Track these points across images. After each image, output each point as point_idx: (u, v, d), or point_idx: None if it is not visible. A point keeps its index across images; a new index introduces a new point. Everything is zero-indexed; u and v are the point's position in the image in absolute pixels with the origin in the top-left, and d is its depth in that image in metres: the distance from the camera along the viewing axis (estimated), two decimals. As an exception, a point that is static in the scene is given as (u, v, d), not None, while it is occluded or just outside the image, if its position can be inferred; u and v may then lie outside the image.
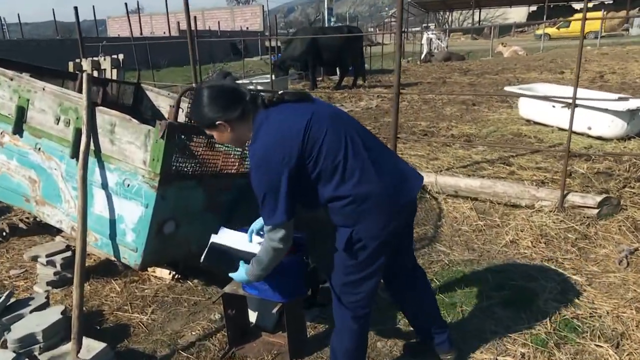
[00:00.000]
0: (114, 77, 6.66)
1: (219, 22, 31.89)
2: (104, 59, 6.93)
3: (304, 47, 10.75)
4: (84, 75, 2.56)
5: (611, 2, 41.34)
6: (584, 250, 3.16)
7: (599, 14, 33.82)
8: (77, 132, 2.50)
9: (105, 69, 6.87)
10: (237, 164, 2.91)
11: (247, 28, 37.64)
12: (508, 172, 4.46)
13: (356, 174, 1.70)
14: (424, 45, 22.72)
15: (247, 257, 1.96)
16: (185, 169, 2.45)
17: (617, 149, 5.16)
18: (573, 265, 3.01)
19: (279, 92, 1.78)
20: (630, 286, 2.73)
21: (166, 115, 4.19)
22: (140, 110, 4.29)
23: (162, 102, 4.31)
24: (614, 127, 5.39)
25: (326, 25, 28.88)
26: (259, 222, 2.13)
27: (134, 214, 2.40)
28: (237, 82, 11.18)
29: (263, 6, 40.72)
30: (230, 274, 2.00)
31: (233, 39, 22.44)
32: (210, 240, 2.13)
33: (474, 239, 3.45)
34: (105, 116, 2.47)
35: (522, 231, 3.43)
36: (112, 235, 2.47)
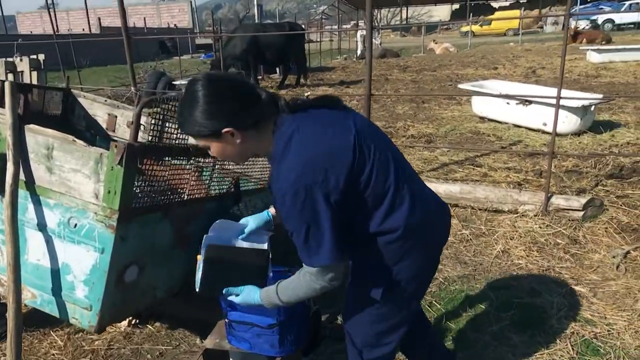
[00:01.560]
0: (35, 81, 5.81)
1: (144, 19, 30.14)
2: (20, 60, 6.03)
3: (244, 45, 10.21)
4: (7, 84, 2.00)
5: (526, 1, 44.12)
6: (578, 257, 3.03)
7: (517, 12, 35.95)
8: (1, 159, 1.94)
9: (22, 72, 5.98)
10: (206, 184, 2.46)
11: (175, 25, 35.97)
12: (481, 175, 4.32)
13: (406, 201, 1.35)
14: (359, 43, 22.83)
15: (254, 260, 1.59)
16: (150, 200, 1.97)
17: (574, 145, 5.22)
18: (572, 275, 2.86)
19: (304, 95, 1.36)
20: (636, 294, 2.61)
21: (104, 126, 3.61)
22: (72, 121, 3.64)
23: (99, 110, 3.69)
24: (569, 123, 5.46)
25: (256, 21, 28.26)
26: (258, 218, 1.69)
27: (85, 263, 1.88)
28: (174, 83, 10.41)
29: (191, 2, 39.14)
30: (234, 297, 1.54)
31: (172, 36, 21.16)
32: (207, 243, 1.64)
33: (463, 251, 3.22)
34: (38, 137, 1.93)
35: (511, 239, 3.26)
36: (56, 291, 1.93)
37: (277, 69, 13.75)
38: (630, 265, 2.87)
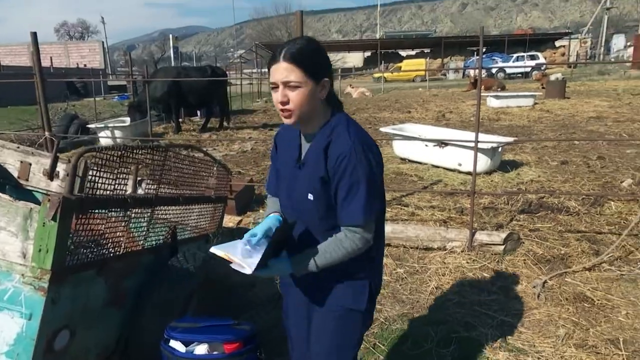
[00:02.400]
0: None
1: (51, 58, 28.47)
2: None
3: (165, 88, 10.00)
4: None
5: (429, 51, 48.21)
6: (503, 289, 3.25)
7: (423, 61, 39.08)
8: None
9: None
10: (144, 236, 2.33)
11: (85, 65, 34.40)
12: (409, 214, 4.53)
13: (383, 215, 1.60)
14: (279, 86, 23.29)
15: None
16: (84, 257, 1.83)
17: (487, 183, 5.68)
18: (500, 306, 3.05)
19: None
20: (557, 321, 2.83)
21: (15, 175, 3.33)
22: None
23: (9, 157, 3.39)
24: (481, 163, 5.93)
25: (172, 63, 27.89)
26: (267, 223, 1.53)
27: (7, 331, 1.68)
28: (88, 126, 9.87)
29: (103, 42, 37.80)
30: (266, 269, 1.42)
31: (83, 79, 20.05)
32: (270, 224, 1.52)
33: (399, 289, 3.31)
34: (-48, 193, 1.73)
35: (443, 275, 3.42)
36: (-28, 366, 1.69)
37: (199, 112, 13.60)
38: (549, 294, 3.12)
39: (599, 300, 2.99)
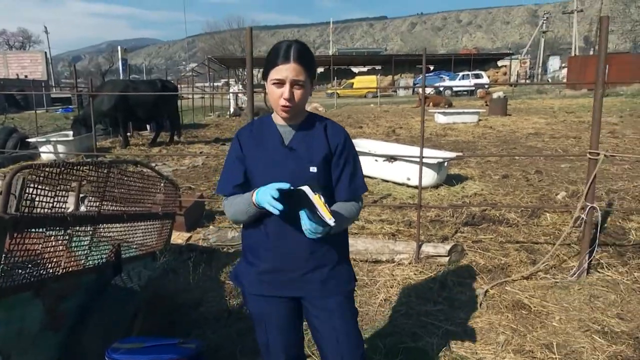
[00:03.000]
0: None
1: (-14, 68, 26.90)
2: None
3: (113, 102, 9.71)
4: None
5: (380, 68, 49.58)
6: (448, 299, 3.37)
7: (374, 77, 40.10)
8: None
9: None
10: (85, 255, 2.26)
11: (26, 76, 32.76)
12: (359, 227, 4.61)
13: None
14: (231, 101, 23.19)
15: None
16: (19, 278, 1.75)
17: (434, 196, 5.89)
18: (445, 316, 3.15)
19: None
20: (497, 328, 2.97)
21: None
22: None
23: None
24: (428, 177, 6.16)
25: (121, 76, 27.11)
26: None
27: None
28: (27, 140, 9.39)
29: (46, 52, 36.21)
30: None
31: (23, 93, 19.02)
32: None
33: (349, 303, 3.36)
34: None
35: (391, 287, 3.50)
36: None
37: (148, 126, 13.27)
38: (490, 302, 3.27)
39: (535, 307, 3.16)
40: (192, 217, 4.66)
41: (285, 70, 1.50)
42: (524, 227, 4.57)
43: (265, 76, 1.58)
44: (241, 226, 1.76)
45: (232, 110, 21.85)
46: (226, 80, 49.02)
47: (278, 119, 1.65)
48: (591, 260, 3.67)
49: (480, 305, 3.24)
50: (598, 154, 3.32)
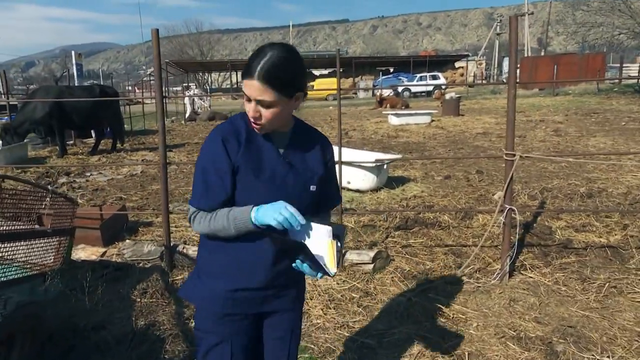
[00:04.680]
0: None
1: None
2: None
3: (47, 109, 9.19)
4: None
5: (342, 70, 49.79)
6: (369, 309, 3.24)
7: (334, 79, 40.15)
8: None
9: None
10: None
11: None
12: (288, 236, 4.44)
13: None
14: (187, 105, 22.67)
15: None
16: None
17: (373, 200, 5.79)
18: (362, 327, 3.02)
19: None
20: (414, 339, 2.85)
21: None
22: None
23: None
24: (367, 180, 6.07)
25: (76, 82, 26.08)
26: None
27: None
28: (-50, 151, 8.75)
29: (-11, 58, 34.37)
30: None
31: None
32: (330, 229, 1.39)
33: (266, 318, 3.18)
34: None
35: (311, 299, 3.34)
36: None
37: (93, 133, 12.72)
38: (411, 311, 3.15)
39: (454, 314, 3.07)
40: (110, 230, 4.37)
41: (250, 88, 1.33)
42: (455, 230, 4.52)
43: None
44: (202, 239, 1.56)
45: (187, 114, 21.36)
46: (185, 84, 48.11)
47: None
48: (515, 262, 3.62)
49: (401, 314, 3.13)
50: (514, 155, 3.26)
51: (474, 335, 2.85)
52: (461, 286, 3.45)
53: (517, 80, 3.19)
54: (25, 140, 9.59)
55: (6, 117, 13.37)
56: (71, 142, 11.81)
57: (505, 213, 3.34)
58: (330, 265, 1.32)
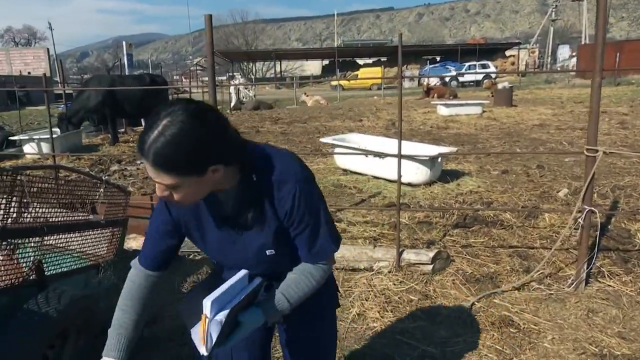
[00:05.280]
0: None
1: (-12, 65, 26.83)
2: None
3: (99, 98, 9.42)
4: None
5: (386, 59, 48.93)
6: (429, 314, 3.02)
7: (379, 69, 39.55)
8: None
9: None
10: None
11: (29, 73, 32.69)
12: (340, 230, 4.26)
13: None
14: (232, 94, 22.88)
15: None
16: None
17: (426, 194, 5.52)
18: (423, 334, 2.81)
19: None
20: (480, 350, 2.62)
21: None
22: None
23: None
24: (420, 174, 5.79)
25: (127, 71, 26.92)
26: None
27: None
28: (11, 138, 9.14)
29: (48, 49, 36.11)
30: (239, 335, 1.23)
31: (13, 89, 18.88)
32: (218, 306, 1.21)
33: (319, 318, 3.03)
34: None
35: (366, 300, 3.16)
36: None
37: (143, 122, 13.01)
38: (475, 318, 2.91)
39: (525, 324, 2.80)
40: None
41: (146, 168, 1.08)
42: (519, 230, 4.19)
43: None
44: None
45: (232, 103, 21.56)
46: (230, 73, 48.75)
47: None
48: (591, 269, 3.29)
49: (464, 321, 2.89)
50: (597, 151, 2.93)
51: (549, 349, 2.58)
52: (531, 292, 3.17)
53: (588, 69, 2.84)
54: (80, 128, 9.88)
55: (62, 106, 13.95)
56: (122, 130, 12.11)
57: (584, 214, 3.01)
58: (200, 342, 1.14)
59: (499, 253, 3.75)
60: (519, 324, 2.82)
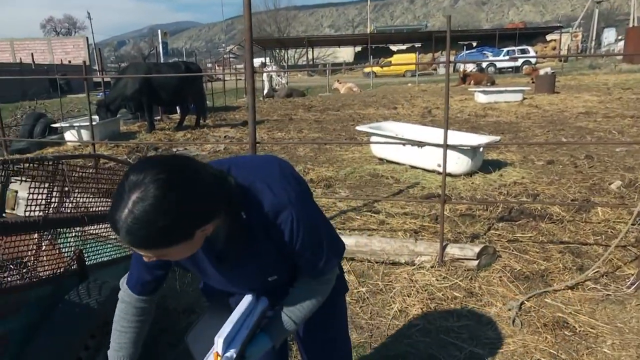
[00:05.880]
0: None
1: (32, 54, 27.74)
2: None
3: (136, 85, 9.53)
4: None
5: (420, 45, 47.84)
6: (475, 312, 2.87)
7: (413, 55, 38.73)
8: None
9: None
10: (31, 262, 1.93)
11: (70, 62, 33.66)
12: (379, 222, 4.14)
13: None
14: (265, 82, 22.87)
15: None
16: None
17: (467, 185, 5.30)
18: (470, 334, 2.67)
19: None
20: (533, 353, 2.46)
21: None
22: None
23: None
24: (461, 164, 5.57)
25: (162, 59, 27.30)
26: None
27: None
28: (53, 125, 9.39)
29: (87, 38, 37.04)
30: (251, 356, 1.22)
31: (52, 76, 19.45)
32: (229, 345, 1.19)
33: (359, 313, 2.93)
34: None
35: (408, 296, 3.04)
36: None
37: (179, 109, 13.15)
38: (525, 319, 2.75)
39: (581, 327, 2.62)
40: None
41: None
42: (570, 224, 3.95)
43: None
44: None
45: (265, 91, 21.56)
46: (263, 61, 48.84)
47: None
48: (653, 268, 3.06)
49: (514, 321, 2.74)
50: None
51: (609, 355, 2.40)
52: (586, 292, 2.97)
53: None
54: (117, 116, 10.05)
55: (101, 93, 14.30)
56: (158, 117, 12.26)
57: (649, 211, 2.78)
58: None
59: (548, 249, 3.54)
60: (574, 326, 2.64)
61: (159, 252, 0.96)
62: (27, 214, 1.86)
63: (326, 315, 1.45)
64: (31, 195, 1.94)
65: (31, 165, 1.81)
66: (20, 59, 28.49)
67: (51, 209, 2.09)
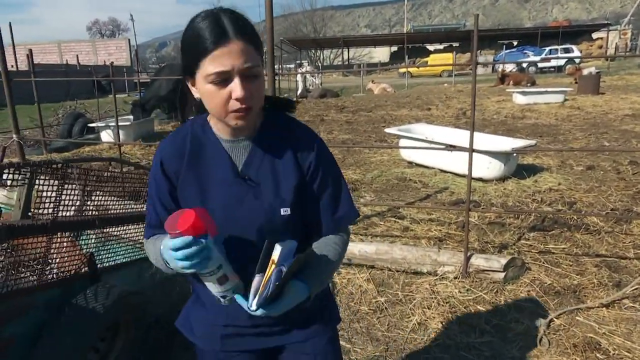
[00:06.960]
0: None
1: (77, 56, 28.89)
2: None
3: (171, 86, 9.71)
4: None
5: (458, 45, 46.83)
6: (499, 329, 2.71)
7: (450, 55, 37.99)
8: None
9: None
10: (40, 265, 1.94)
11: (113, 63, 34.89)
12: (402, 229, 4.01)
13: None
14: (299, 82, 22.95)
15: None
16: None
17: (499, 191, 5.09)
18: (492, 352, 2.52)
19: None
20: (560, 377, 2.29)
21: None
22: None
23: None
24: (492, 169, 5.36)
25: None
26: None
27: None
28: (90, 125, 9.69)
29: (129, 40, 38.27)
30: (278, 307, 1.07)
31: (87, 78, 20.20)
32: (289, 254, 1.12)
33: (376, 324, 2.83)
34: None
35: (429, 308, 2.91)
36: None
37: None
38: (554, 338, 2.57)
39: (615, 349, 2.43)
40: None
41: (228, 56, 0.99)
42: (608, 236, 3.70)
43: (191, 71, 1.06)
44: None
45: (299, 91, 21.63)
46: (298, 61, 49.07)
47: (221, 129, 1.15)
48: (700, 288, 2.81)
49: (541, 340, 2.56)
50: None
51: (646, 383, 2.21)
52: (622, 312, 2.75)
53: None
54: (151, 116, 10.27)
55: (138, 94, 14.69)
56: (192, 118, 12.46)
57: (696, 226, 2.54)
58: (259, 290, 1.01)
59: (583, 262, 3.32)
60: (607, 349, 2.44)
61: (258, 58, 1.04)
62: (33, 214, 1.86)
63: (320, 342, 1.31)
64: (43, 196, 1.94)
65: (45, 167, 1.81)
66: (67, 60, 29.75)
67: (69, 210, 2.10)
